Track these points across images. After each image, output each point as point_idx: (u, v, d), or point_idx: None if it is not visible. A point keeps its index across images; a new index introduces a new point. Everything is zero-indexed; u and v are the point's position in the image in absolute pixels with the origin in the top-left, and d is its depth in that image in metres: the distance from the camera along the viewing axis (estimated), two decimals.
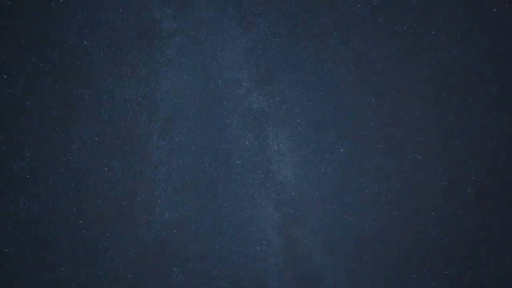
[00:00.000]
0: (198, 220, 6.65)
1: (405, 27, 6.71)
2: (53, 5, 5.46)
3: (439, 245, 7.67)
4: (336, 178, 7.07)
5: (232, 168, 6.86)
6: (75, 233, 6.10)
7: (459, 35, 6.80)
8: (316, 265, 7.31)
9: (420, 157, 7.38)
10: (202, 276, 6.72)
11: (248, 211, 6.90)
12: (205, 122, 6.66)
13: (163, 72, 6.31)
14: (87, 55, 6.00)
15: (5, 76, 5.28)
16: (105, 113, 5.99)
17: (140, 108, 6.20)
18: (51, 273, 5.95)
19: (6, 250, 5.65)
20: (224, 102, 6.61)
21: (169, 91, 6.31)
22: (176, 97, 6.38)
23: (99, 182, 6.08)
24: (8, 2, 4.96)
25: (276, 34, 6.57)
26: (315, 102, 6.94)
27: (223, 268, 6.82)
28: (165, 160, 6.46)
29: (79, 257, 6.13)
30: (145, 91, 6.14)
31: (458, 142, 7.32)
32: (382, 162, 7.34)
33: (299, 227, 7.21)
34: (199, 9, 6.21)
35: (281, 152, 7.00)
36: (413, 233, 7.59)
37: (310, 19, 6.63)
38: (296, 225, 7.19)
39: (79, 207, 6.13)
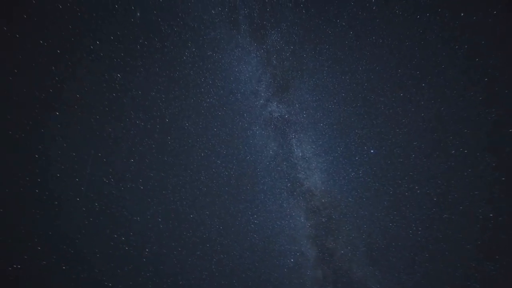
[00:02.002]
0: (227, 234, 4.81)
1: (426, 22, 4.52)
2: None
3: (503, 251, 4.72)
4: (369, 181, 4.78)
5: (258, 178, 5.03)
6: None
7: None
8: (358, 278, 4.87)
9: (466, 151, 4.76)
10: None
11: (278, 221, 4.94)
12: (228, 136, 5.02)
13: (184, 90, 4.92)
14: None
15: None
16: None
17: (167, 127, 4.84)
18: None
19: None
20: (245, 115, 4.98)
21: (190, 109, 4.84)
22: (197, 115, 4.88)
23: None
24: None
25: (289, 42, 4.88)
26: (337, 104, 4.91)
27: (257, 283, 4.78)
28: (192, 176, 4.87)
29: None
30: (174, 111, 4.74)
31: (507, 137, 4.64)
32: (422, 160, 4.82)
33: (335, 236, 4.93)
34: (213, 29, 4.79)
35: (307, 158, 5.02)
36: (470, 239, 4.78)
37: (323, 22, 4.76)
38: (331, 234, 4.93)
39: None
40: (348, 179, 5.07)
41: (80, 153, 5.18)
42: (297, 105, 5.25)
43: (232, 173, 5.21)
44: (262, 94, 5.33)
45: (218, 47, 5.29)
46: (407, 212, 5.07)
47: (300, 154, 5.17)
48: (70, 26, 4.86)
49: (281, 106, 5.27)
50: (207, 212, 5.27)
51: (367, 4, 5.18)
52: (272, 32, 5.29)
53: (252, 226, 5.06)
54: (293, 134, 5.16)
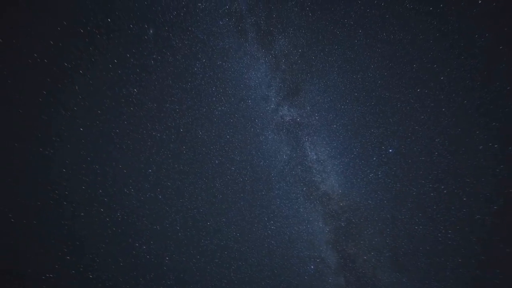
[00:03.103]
0: (244, 241, 4.64)
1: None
2: None
3: None
4: (390, 182, 4.42)
5: (273, 183, 4.84)
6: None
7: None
8: (384, 286, 4.45)
9: (496, 146, 4.28)
10: None
11: (295, 227, 4.70)
12: (241, 142, 4.92)
13: (197, 101, 4.94)
14: None
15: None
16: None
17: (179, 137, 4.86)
18: None
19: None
20: (257, 120, 4.86)
21: (203, 118, 4.82)
22: (210, 123, 4.84)
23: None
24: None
25: (297, 45, 4.75)
26: (350, 104, 4.65)
27: None
28: (207, 183, 4.80)
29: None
30: (188, 121, 4.76)
31: None
32: (446, 157, 4.40)
33: (356, 241, 4.58)
34: (221, 39, 4.79)
35: (321, 161, 4.77)
36: (509, 241, 4.22)
37: (330, 24, 4.59)
38: (352, 239, 4.58)
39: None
40: (367, 181, 4.73)
41: (102, 166, 5.30)
42: (308, 108, 5.05)
43: (246, 179, 5.06)
44: (273, 99, 5.19)
45: (227, 56, 5.27)
46: (434, 213, 4.62)
47: (315, 157, 4.92)
48: (90, 48, 5.08)
49: (292, 110, 5.09)
50: (224, 219, 5.14)
51: (375, 1, 4.93)
52: (279, 37, 5.18)
53: (269, 232, 4.84)
54: (306, 137, 4.94)
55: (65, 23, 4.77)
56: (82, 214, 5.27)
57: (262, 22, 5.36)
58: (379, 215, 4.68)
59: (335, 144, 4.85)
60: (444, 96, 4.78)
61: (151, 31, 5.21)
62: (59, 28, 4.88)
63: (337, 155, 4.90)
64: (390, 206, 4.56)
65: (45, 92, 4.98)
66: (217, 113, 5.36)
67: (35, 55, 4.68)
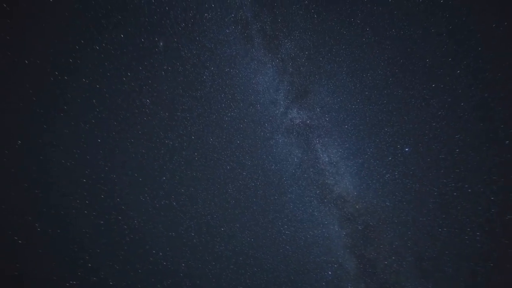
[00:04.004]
0: (259, 246, 4.49)
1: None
2: None
3: None
4: (408, 182, 4.12)
5: (285, 187, 4.69)
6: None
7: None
8: None
9: None
10: None
11: (310, 231, 4.49)
12: (251, 147, 4.82)
13: (205, 108, 4.94)
14: None
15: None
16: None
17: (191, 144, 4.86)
18: None
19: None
20: (266, 124, 4.77)
21: (213, 124, 4.79)
22: (220, 130, 4.81)
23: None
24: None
25: (303, 48, 4.65)
26: (361, 104, 4.44)
27: None
28: (220, 189, 4.73)
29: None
30: (198, 128, 4.75)
31: None
32: (469, 154, 4.05)
33: (375, 245, 4.28)
34: (228, 47, 4.79)
35: (334, 163, 4.56)
36: None
37: (336, 24, 4.46)
38: (371, 243, 4.29)
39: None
40: (383, 182, 4.45)
41: (119, 175, 5.37)
42: (318, 109, 4.87)
43: (258, 183, 4.93)
44: (282, 102, 5.07)
45: (234, 63, 5.25)
46: (458, 215, 4.24)
47: (327, 159, 4.71)
48: (105, 63, 5.24)
49: (301, 112, 4.94)
50: (237, 225, 5.01)
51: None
52: (286, 41, 5.10)
53: (284, 237, 4.65)
54: (317, 139, 4.75)
55: (82, 41, 4.97)
56: (102, 222, 5.34)
57: (267, 27, 5.31)
58: (398, 218, 4.35)
59: (347, 145, 4.62)
60: (462, 90, 4.45)
61: (161, 44, 5.31)
62: (77, 47, 5.08)
63: (350, 156, 4.65)
64: (410, 208, 4.24)
65: (65, 107, 5.16)
66: (226, 119, 5.32)
67: (56, 72, 4.89)
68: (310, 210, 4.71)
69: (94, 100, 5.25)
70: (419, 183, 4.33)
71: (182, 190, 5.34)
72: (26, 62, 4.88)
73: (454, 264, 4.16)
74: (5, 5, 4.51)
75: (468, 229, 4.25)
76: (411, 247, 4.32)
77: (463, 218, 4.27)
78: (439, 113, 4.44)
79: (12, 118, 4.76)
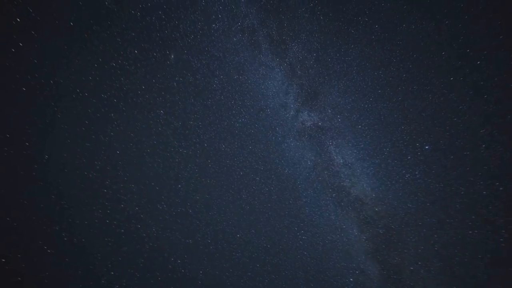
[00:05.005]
0: (276, 252, 4.30)
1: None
2: None
3: None
4: (431, 182, 3.79)
5: (300, 191, 4.49)
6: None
7: None
8: None
9: None
10: None
11: (328, 236, 4.25)
12: (263, 152, 4.71)
13: (216, 115, 4.93)
14: None
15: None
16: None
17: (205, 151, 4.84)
18: None
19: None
20: (277, 128, 4.65)
21: (224, 131, 4.75)
22: (232, 136, 4.75)
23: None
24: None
25: (311, 50, 4.52)
26: (374, 102, 4.21)
27: None
28: (234, 195, 4.64)
29: None
30: (211, 136, 4.72)
31: None
32: (497, 149, 3.66)
33: (399, 250, 3.95)
34: (237, 55, 4.78)
35: (349, 164, 4.32)
36: None
37: (343, 24, 4.31)
38: (394, 248, 3.96)
39: None
40: (403, 183, 4.14)
41: (138, 184, 5.43)
42: (329, 111, 4.68)
43: (272, 188, 4.77)
44: (292, 106, 4.94)
45: (243, 69, 5.21)
46: (490, 215, 3.83)
47: (341, 161, 4.48)
48: (121, 78, 5.40)
49: (312, 114, 4.76)
50: (253, 231, 4.86)
51: None
52: (293, 44, 4.99)
53: (301, 242, 4.43)
54: (330, 140, 4.54)
55: (100, 60, 5.16)
56: (122, 231, 5.39)
57: (274, 32, 5.24)
58: (422, 220, 4.01)
59: (362, 146, 4.36)
60: (485, 82, 4.09)
61: (172, 56, 5.39)
62: (95, 65, 5.28)
63: (366, 157, 4.39)
64: (434, 209, 3.89)
65: (86, 122, 5.34)
66: (238, 125, 5.25)
67: (78, 90, 5.09)
68: (327, 214, 4.46)
69: (112, 114, 5.40)
70: (443, 182, 3.98)
71: (197, 197, 5.29)
72: (51, 82, 5.13)
73: (488, 268, 3.74)
74: (33, 32, 4.80)
75: (503, 231, 3.82)
76: (439, 251, 3.94)
77: (496, 219, 3.85)
78: (460, 107, 4.09)
79: (42, 134, 4.99)
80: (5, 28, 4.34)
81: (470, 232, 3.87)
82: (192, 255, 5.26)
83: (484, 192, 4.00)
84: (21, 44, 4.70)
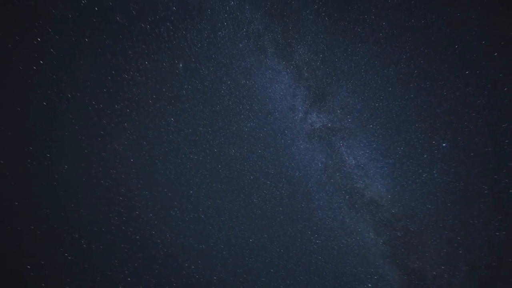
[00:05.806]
0: (289, 257, 4.16)
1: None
2: None
3: None
4: (450, 181, 3.55)
5: (312, 194, 4.35)
6: None
7: None
8: None
9: None
10: None
11: (343, 240, 4.07)
12: (273, 155, 4.63)
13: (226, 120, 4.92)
14: None
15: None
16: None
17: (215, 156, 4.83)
18: None
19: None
20: (286, 131, 4.57)
21: (234, 136, 4.72)
22: (241, 141, 4.70)
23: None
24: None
25: (317, 51, 4.44)
26: (385, 101, 4.04)
27: None
28: (245, 200, 4.56)
29: None
30: (220, 141, 4.71)
31: None
32: None
33: (419, 254, 3.70)
34: (243, 60, 4.77)
35: (362, 165, 4.14)
36: None
37: (349, 23, 4.20)
38: (413, 251, 3.72)
39: None
40: (420, 183, 3.90)
41: (151, 191, 5.46)
42: (339, 111, 4.53)
43: (283, 192, 4.65)
44: (300, 108, 4.84)
45: (249, 74, 5.18)
46: None
47: (353, 162, 4.30)
48: (133, 89, 5.51)
49: (321, 116, 4.63)
50: (265, 235, 4.74)
51: None
52: (298, 47, 4.92)
53: (315, 247, 4.26)
54: (341, 141, 4.38)
55: (113, 72, 5.31)
56: (137, 237, 5.42)
57: (279, 36, 5.20)
58: (444, 221, 3.74)
59: (374, 145, 4.17)
60: (504, 74, 3.81)
61: (180, 65, 5.47)
62: (109, 77, 5.43)
63: (379, 157, 4.19)
64: (456, 210, 3.62)
65: (102, 132, 5.47)
66: (246, 129, 5.19)
67: (93, 102, 5.24)
68: (341, 217, 4.27)
69: (125, 124, 5.51)
70: (463, 181, 3.71)
71: (209, 203, 5.25)
72: (69, 96, 5.31)
73: None
74: (52, 50, 5.02)
75: None
76: (464, 254, 3.65)
77: None
78: (478, 101, 3.83)
79: (61, 146, 5.15)
80: (27, 48, 4.57)
81: (497, 233, 3.57)
82: (206, 260, 5.19)
83: (511, 191, 3.69)
84: (41, 62, 4.91)
